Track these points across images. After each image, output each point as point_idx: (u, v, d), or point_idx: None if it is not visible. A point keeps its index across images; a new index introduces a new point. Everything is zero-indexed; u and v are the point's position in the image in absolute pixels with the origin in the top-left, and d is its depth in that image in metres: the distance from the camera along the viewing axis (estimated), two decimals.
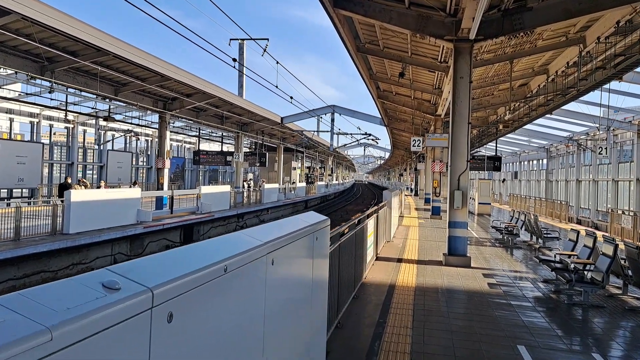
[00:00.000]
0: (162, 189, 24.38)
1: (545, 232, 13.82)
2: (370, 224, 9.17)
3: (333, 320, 5.45)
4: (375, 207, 10.26)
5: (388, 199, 13.21)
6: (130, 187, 23.94)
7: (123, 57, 16.53)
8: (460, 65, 10.48)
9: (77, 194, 15.73)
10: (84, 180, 20.09)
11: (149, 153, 43.95)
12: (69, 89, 22.88)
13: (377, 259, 10.62)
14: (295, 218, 3.73)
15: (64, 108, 20.77)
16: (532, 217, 14.13)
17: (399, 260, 10.67)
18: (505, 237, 14.26)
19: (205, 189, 24.57)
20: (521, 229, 14.74)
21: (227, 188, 27.20)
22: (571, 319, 6.82)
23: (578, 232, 9.32)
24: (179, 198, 25.75)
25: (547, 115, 24.44)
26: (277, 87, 14.13)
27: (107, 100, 24.22)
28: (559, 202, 25.93)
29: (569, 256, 8.97)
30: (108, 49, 15.62)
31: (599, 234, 9.53)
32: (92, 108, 25.33)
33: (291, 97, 16.35)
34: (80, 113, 26.05)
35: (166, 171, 24.54)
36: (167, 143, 24.35)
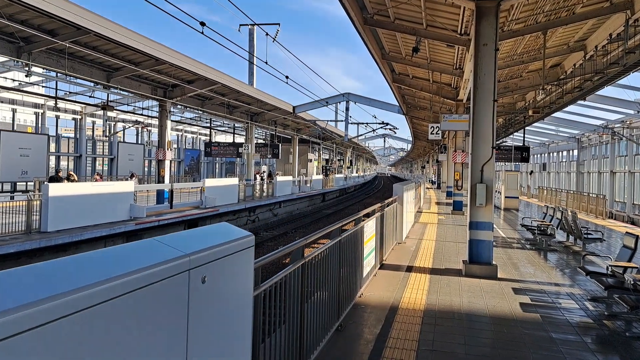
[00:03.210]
0: (163, 181, 22.90)
1: (585, 231, 11.75)
2: (371, 225, 7.33)
3: None
4: (379, 205, 8.39)
5: (399, 193, 11.30)
6: (127, 180, 22.47)
7: (108, 37, 14.91)
8: (484, 29, 8.49)
9: (57, 188, 14.29)
10: (72, 173, 18.63)
11: None
12: (76, 79, 21.54)
13: (382, 266, 8.76)
14: (141, 246, 1.91)
15: (54, 96, 19.33)
16: (570, 214, 12.05)
17: (409, 269, 8.77)
18: (538, 238, 12.23)
19: (210, 182, 23.04)
20: (557, 228, 12.66)
21: (234, 181, 25.71)
22: None
23: (637, 237, 7.31)
24: (182, 192, 24.27)
25: (578, 102, 22.15)
26: (266, 62, 12.35)
27: (108, 88, 22.77)
28: (594, 195, 23.59)
29: (625, 269, 6.98)
30: (89, 27, 13.99)
31: None
32: (90, 96, 23.87)
33: (287, 77, 14.51)
34: (73, 101, 24.61)
35: (167, 163, 23.06)
36: (167, 133, 22.82)
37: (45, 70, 21.18)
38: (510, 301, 6.82)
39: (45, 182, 17.05)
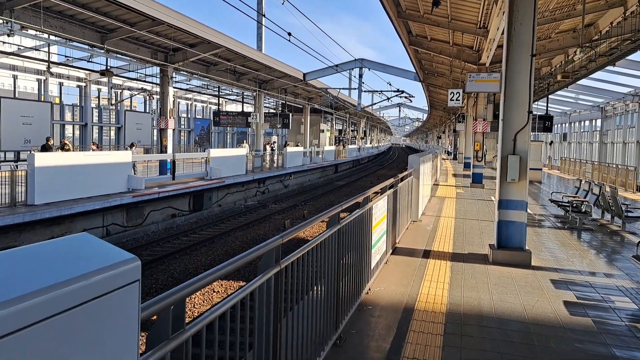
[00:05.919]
0: (165, 151, 21.83)
1: (625, 209, 10.40)
2: (381, 205, 6.11)
3: None
4: (392, 180, 7.14)
5: (415, 166, 10.02)
6: (126, 149, 21.43)
7: None
8: None
9: (44, 158, 13.28)
10: (67, 142, 17.57)
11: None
12: (72, 42, 20.34)
13: (395, 251, 7.55)
14: None
15: (47, 60, 18.13)
16: (609, 189, 10.68)
17: (426, 254, 7.56)
18: (570, 216, 10.90)
19: (215, 152, 21.94)
20: (593, 205, 11.30)
21: (242, 151, 24.62)
22: None
23: None
24: (186, 162, 23.21)
25: (606, 68, 20.36)
26: (264, 15, 10.96)
27: (107, 52, 21.52)
28: (625, 167, 22.04)
29: None
30: None
31: None
32: (88, 61, 22.66)
33: (289, 34, 13.09)
34: (69, 66, 23.42)
35: (170, 132, 21.90)
36: (169, 100, 21.59)
37: (37, 33, 20.00)
38: (552, 299, 5.59)
39: (31, 152, 16.04)
